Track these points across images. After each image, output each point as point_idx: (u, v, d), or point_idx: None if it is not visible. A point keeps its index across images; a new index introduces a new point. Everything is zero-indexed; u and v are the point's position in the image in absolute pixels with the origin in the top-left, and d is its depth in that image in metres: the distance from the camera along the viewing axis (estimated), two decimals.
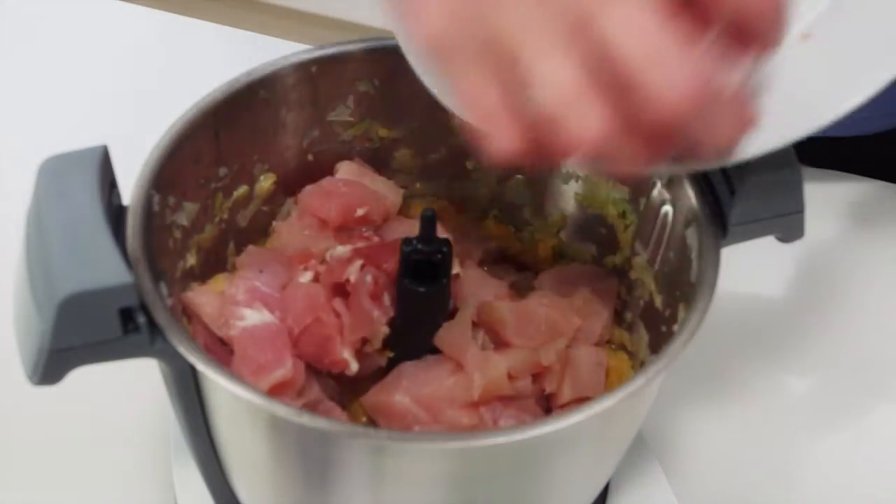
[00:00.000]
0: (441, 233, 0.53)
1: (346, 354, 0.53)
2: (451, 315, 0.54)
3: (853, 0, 0.46)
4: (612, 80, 0.37)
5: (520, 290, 0.58)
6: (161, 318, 0.44)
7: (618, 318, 0.57)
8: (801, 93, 0.46)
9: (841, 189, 0.78)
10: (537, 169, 0.40)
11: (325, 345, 0.52)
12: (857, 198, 0.78)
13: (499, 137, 0.40)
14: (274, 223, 0.58)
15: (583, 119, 0.38)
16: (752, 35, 0.39)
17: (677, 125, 0.38)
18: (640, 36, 0.37)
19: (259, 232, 0.58)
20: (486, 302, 0.55)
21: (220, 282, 0.55)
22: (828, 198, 0.76)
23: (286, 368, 0.50)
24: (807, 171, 0.50)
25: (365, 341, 0.53)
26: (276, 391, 0.50)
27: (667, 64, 0.37)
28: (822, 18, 0.47)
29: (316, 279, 0.54)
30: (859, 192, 0.78)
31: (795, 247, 0.53)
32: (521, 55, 0.38)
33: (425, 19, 0.40)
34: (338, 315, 0.53)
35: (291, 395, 0.51)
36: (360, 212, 0.56)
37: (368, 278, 0.53)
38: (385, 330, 0.53)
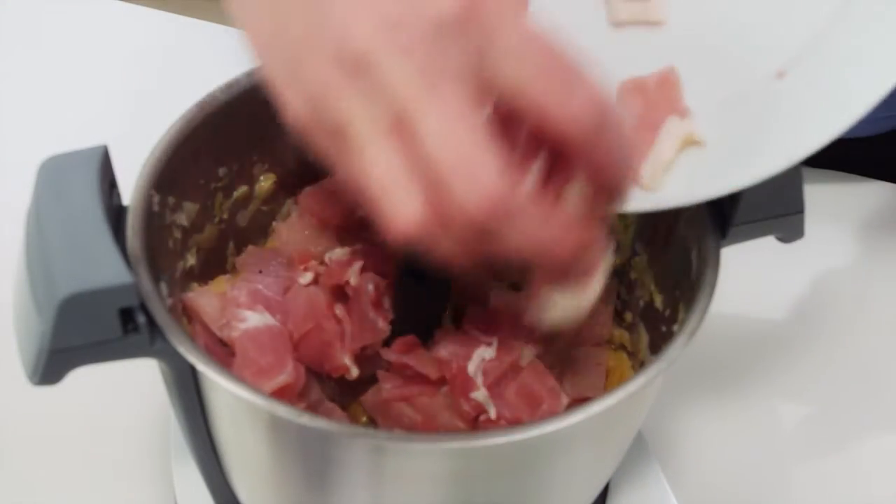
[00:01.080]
0: None
1: (347, 360, 0.53)
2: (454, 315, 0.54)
3: (826, 42, 0.47)
4: (426, 175, 0.39)
5: (519, 290, 0.58)
6: (161, 318, 0.44)
7: (618, 318, 0.57)
8: (774, 128, 0.47)
9: (841, 189, 0.78)
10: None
11: (326, 350, 0.52)
12: (858, 198, 0.78)
13: (396, 207, 0.41)
14: (274, 223, 0.58)
15: (397, 206, 0.39)
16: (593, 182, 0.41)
17: (484, 230, 0.39)
18: (452, 139, 0.38)
19: (259, 232, 0.58)
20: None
21: (221, 283, 0.55)
22: (828, 198, 0.76)
23: (287, 374, 0.50)
24: (807, 172, 0.50)
25: (366, 346, 0.53)
26: (276, 394, 0.50)
27: (471, 170, 0.38)
28: (796, 57, 0.48)
29: (316, 280, 0.54)
30: (860, 193, 0.78)
31: (795, 247, 0.53)
32: (351, 142, 0.40)
33: (290, 102, 0.42)
34: (339, 321, 0.53)
35: (292, 397, 0.51)
36: (360, 212, 0.56)
37: (370, 287, 0.53)
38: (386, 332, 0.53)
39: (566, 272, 0.43)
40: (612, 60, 0.52)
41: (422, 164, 0.39)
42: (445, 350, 0.52)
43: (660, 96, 0.51)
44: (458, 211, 0.39)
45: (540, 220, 0.40)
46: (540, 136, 0.40)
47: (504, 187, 0.38)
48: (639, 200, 0.49)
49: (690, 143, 0.49)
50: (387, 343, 0.53)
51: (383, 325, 0.52)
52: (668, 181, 0.49)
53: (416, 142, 0.39)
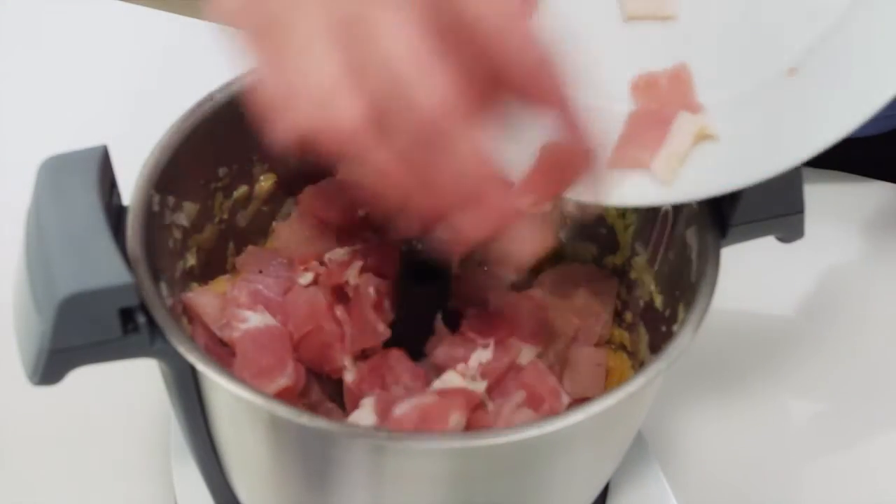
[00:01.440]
0: None
1: (347, 362, 0.53)
2: (452, 315, 0.54)
3: (836, 39, 0.47)
4: (372, 80, 0.39)
5: (520, 291, 0.58)
6: (161, 318, 0.44)
7: (618, 318, 0.57)
8: (786, 125, 0.47)
9: (841, 189, 0.78)
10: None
11: (326, 352, 0.52)
12: (858, 198, 0.78)
13: (277, 118, 0.41)
14: (274, 223, 0.58)
15: (340, 110, 0.39)
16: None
17: (429, 140, 0.39)
18: (405, 43, 0.38)
19: (259, 232, 0.58)
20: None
21: (221, 284, 0.55)
22: (828, 198, 0.76)
23: (287, 376, 0.50)
24: (807, 172, 0.50)
25: (366, 348, 0.53)
26: (277, 395, 0.50)
27: (428, 79, 0.38)
28: (807, 55, 0.48)
29: (316, 280, 0.54)
30: (860, 193, 0.78)
31: (795, 247, 0.53)
32: (292, 40, 0.39)
33: None
34: (339, 323, 0.53)
35: (292, 397, 0.51)
36: (360, 213, 0.56)
37: (371, 290, 0.53)
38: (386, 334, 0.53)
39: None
40: (625, 55, 0.53)
41: (370, 68, 0.38)
42: (442, 354, 0.52)
43: (672, 92, 0.51)
44: (410, 114, 0.38)
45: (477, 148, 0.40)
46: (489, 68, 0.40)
47: (456, 99, 0.38)
48: (656, 194, 0.49)
49: (704, 137, 0.49)
50: (388, 345, 0.53)
51: (384, 329, 0.52)
52: (685, 175, 0.49)
53: (370, 48, 0.38)
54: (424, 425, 0.48)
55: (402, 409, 0.49)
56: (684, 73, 0.51)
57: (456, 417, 0.48)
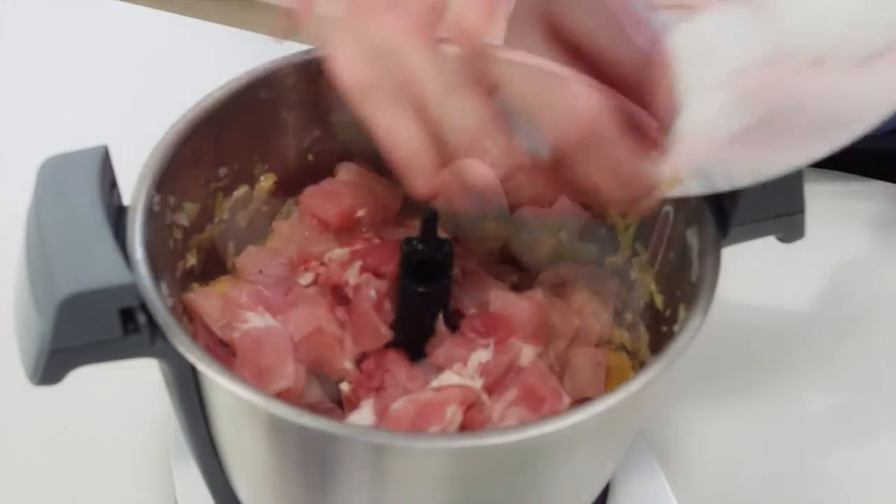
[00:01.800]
0: (441, 233, 0.53)
1: (348, 364, 0.52)
2: (452, 315, 0.54)
3: (865, 28, 0.47)
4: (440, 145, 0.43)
5: (520, 291, 0.58)
6: (161, 318, 0.44)
7: (618, 318, 0.57)
8: (815, 115, 0.47)
9: (841, 189, 0.78)
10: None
11: (326, 354, 0.52)
12: (858, 198, 0.78)
13: (417, 178, 0.44)
14: (274, 223, 0.58)
15: (416, 174, 0.43)
16: None
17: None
18: (467, 115, 0.42)
19: (259, 232, 0.58)
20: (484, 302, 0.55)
21: (223, 284, 0.55)
22: (828, 198, 0.76)
23: (288, 378, 0.50)
24: (807, 172, 0.50)
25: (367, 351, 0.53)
26: (277, 397, 0.50)
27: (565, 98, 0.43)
28: (834, 44, 0.47)
29: (316, 280, 0.54)
30: (860, 193, 0.78)
31: (796, 247, 0.53)
32: (428, 94, 0.42)
33: (344, 63, 0.43)
34: (340, 325, 0.53)
35: (292, 398, 0.51)
36: (360, 213, 0.56)
37: (373, 293, 0.53)
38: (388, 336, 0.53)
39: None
40: None
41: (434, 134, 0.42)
42: (443, 355, 0.52)
43: None
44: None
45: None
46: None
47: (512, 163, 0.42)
48: (685, 185, 0.49)
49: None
50: (388, 345, 0.53)
51: (386, 332, 0.52)
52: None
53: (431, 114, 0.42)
54: (421, 419, 0.48)
55: (399, 404, 0.49)
56: None
57: (452, 411, 0.48)
